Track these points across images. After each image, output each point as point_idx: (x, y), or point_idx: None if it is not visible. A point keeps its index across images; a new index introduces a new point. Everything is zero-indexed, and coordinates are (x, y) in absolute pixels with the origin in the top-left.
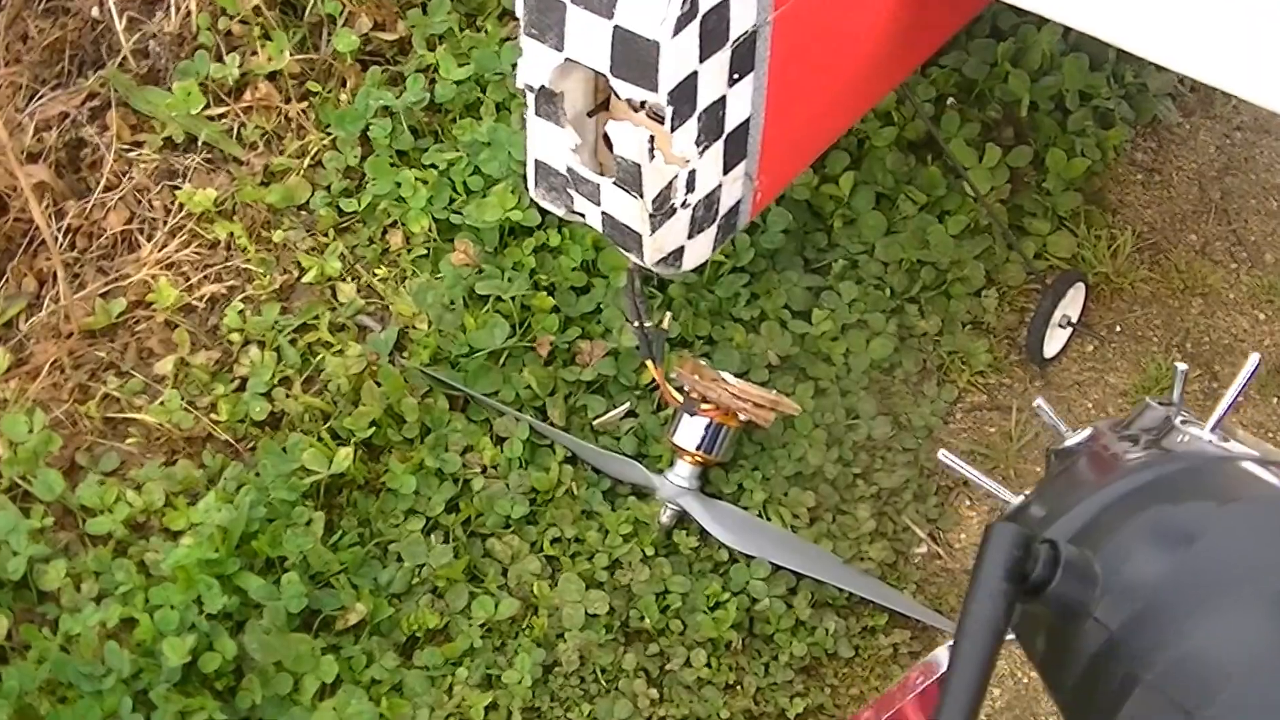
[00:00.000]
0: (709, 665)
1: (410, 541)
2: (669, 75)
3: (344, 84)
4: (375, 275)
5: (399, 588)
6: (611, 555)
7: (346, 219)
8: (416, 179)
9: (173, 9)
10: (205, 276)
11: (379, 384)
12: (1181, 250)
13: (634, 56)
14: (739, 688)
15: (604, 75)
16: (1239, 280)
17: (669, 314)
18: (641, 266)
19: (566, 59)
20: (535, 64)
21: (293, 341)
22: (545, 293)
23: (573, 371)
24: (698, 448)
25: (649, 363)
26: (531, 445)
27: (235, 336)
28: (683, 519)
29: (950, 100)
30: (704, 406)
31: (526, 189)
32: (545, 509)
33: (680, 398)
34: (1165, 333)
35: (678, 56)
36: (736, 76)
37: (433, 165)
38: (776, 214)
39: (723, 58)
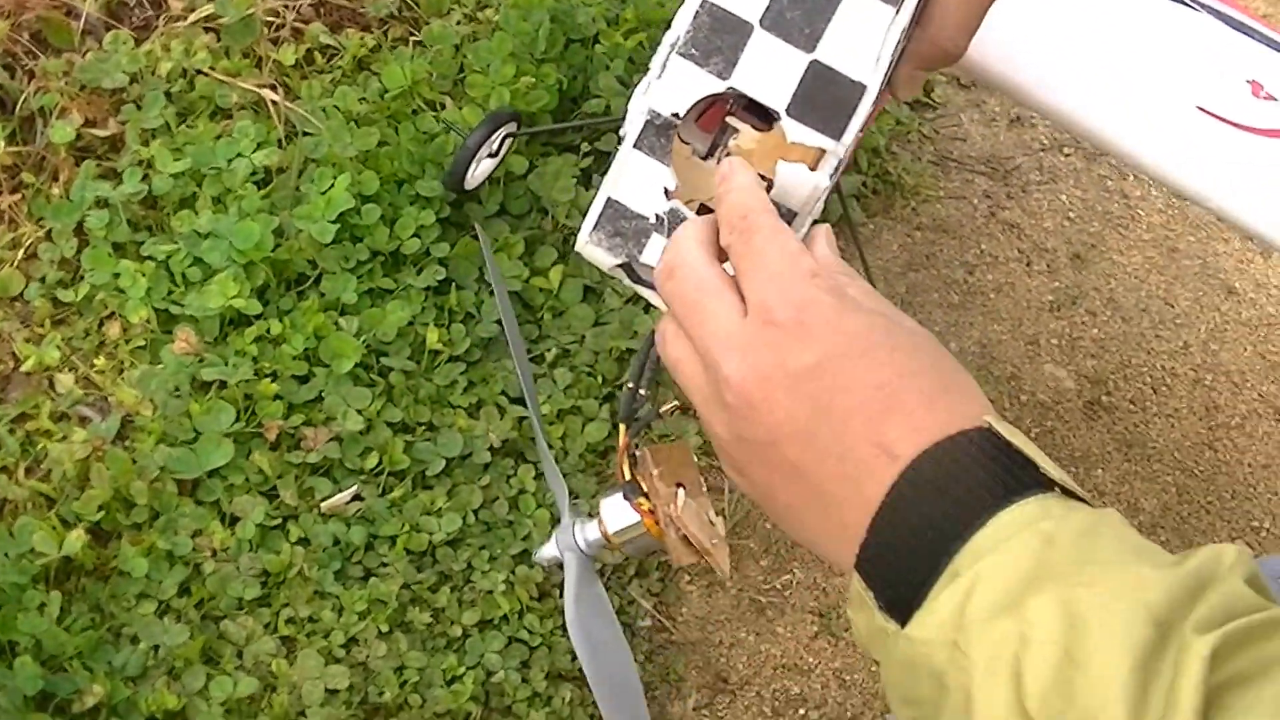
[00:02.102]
0: None
1: (145, 623)
2: (858, 123)
3: (56, 178)
4: (93, 367)
5: (134, 670)
6: (348, 632)
7: (63, 310)
8: (136, 270)
9: None
10: None
11: (107, 468)
12: None
13: (827, 98)
14: None
15: (774, 113)
16: None
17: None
18: None
19: (730, 88)
20: (680, 89)
21: (11, 431)
22: (269, 379)
23: (299, 455)
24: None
25: (621, 425)
26: (262, 530)
27: None
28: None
29: None
30: (639, 500)
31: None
32: (278, 590)
33: (628, 475)
34: None
35: (872, 104)
36: None
37: (151, 257)
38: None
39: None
